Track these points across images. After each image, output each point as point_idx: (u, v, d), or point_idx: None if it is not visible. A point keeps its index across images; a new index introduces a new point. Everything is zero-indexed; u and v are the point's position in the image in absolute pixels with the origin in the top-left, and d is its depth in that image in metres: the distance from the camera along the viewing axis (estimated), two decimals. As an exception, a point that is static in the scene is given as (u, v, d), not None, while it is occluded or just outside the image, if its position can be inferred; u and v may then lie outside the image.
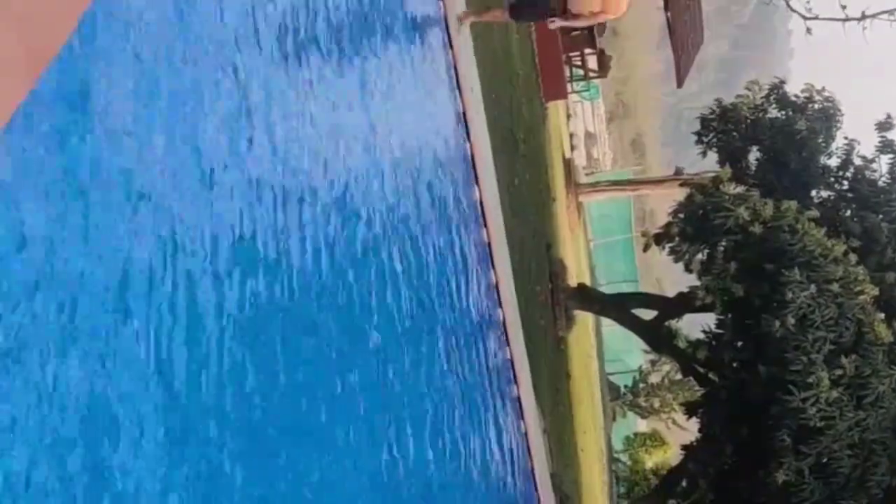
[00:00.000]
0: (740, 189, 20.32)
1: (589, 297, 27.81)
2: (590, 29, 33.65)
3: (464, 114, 15.21)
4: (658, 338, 25.10)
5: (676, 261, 21.07)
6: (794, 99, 23.13)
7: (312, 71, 8.42)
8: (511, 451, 17.24)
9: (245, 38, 6.82)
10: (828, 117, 22.52)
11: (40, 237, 4.22)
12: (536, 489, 18.70)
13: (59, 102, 4.45)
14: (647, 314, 25.11)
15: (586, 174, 45.56)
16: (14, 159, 4.09)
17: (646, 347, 34.21)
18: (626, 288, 38.59)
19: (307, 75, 8.28)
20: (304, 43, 8.32)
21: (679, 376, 39.67)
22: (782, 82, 23.88)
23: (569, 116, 44.74)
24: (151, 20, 5.47)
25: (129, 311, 4.88)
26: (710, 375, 21.85)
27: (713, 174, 21.91)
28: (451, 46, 14.68)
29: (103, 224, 4.73)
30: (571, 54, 34.68)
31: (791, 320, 17.78)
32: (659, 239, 21.69)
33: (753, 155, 23.61)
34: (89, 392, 4.49)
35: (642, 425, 51.05)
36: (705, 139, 24.08)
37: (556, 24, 13.80)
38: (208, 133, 6.04)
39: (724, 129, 23.80)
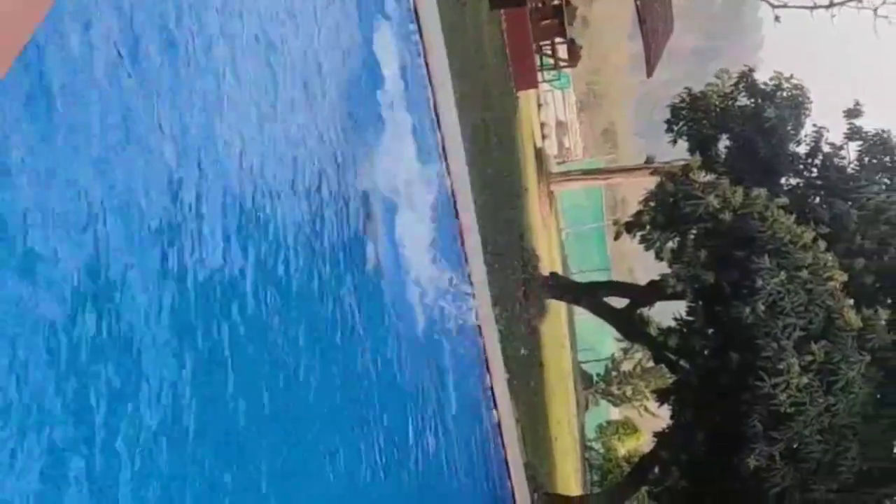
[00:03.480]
0: (710, 177, 20.39)
1: (561, 286, 27.87)
2: (560, 18, 33.68)
3: (435, 106, 15.22)
4: (630, 326, 25.19)
5: (647, 249, 21.13)
6: (763, 87, 23.20)
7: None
8: (485, 441, 17.30)
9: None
10: (796, 105, 22.60)
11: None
12: (510, 478, 18.77)
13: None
14: (619, 302, 25.20)
15: (558, 163, 45.59)
16: None
17: (618, 335, 34.32)
18: (599, 277, 38.65)
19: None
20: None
21: (651, 364, 39.85)
22: (751, 70, 23.95)
23: (540, 106, 44.74)
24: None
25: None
26: (682, 363, 21.95)
27: (683, 162, 21.98)
28: (422, 38, 14.68)
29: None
30: (542, 44, 34.65)
31: (761, 307, 17.88)
32: (630, 227, 21.74)
33: (723, 143, 23.68)
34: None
35: (615, 413, 51.21)
36: (675, 128, 24.12)
37: None
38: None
39: (693, 117, 23.85)
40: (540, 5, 32.78)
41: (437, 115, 15.47)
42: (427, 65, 15.04)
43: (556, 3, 33.52)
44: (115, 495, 5.57)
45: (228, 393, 6.96)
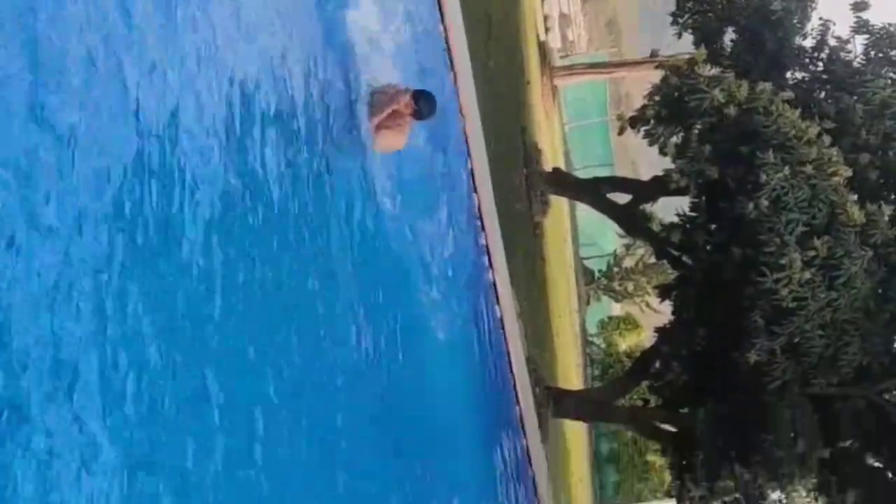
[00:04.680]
0: (715, 71, 20.17)
1: (563, 182, 27.78)
2: None
3: (439, 4, 15.02)
4: (632, 221, 25.12)
5: (651, 144, 20.98)
6: (769, -21, 22.85)
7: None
8: (487, 335, 17.39)
9: None
10: (802, -3, 22.32)
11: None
12: (512, 372, 18.92)
13: None
14: (622, 198, 25.12)
15: (561, 57, 45.11)
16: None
17: (620, 231, 34.31)
18: (602, 172, 38.53)
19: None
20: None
21: (653, 260, 39.91)
22: (758, -38, 23.57)
23: (543, -1, 44.15)
24: None
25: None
26: (684, 258, 21.95)
27: (689, 56, 21.74)
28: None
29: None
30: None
31: (765, 202, 17.81)
32: (634, 122, 21.56)
33: (729, 36, 23.39)
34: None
35: (616, 309, 51.48)
36: (681, 20, 23.82)
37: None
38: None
39: (699, 9, 23.52)
40: None
41: (439, 4, 15.27)
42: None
43: None
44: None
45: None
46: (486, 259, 17.54)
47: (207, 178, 6.70)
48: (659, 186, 22.31)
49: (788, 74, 22.51)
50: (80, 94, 5.31)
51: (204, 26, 6.92)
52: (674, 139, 20.54)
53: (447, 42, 15.52)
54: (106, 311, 5.38)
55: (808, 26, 22.52)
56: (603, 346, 46.88)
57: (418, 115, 10.66)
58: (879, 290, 18.50)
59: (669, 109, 20.48)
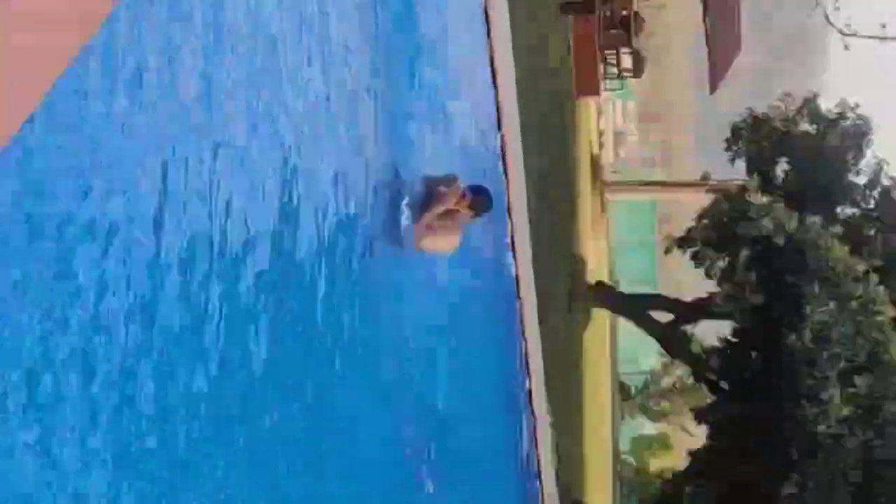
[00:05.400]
0: (766, 199, 20.27)
1: (606, 295, 27.81)
2: (626, 28, 33.51)
3: (498, 109, 15.22)
4: (672, 341, 25.06)
5: (697, 266, 21.04)
6: (826, 114, 23.03)
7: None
8: (516, 446, 17.30)
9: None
10: (859, 135, 22.43)
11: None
12: (540, 482, 18.75)
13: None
14: (664, 317, 25.07)
15: (612, 172, 45.39)
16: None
17: (660, 349, 34.15)
18: (645, 289, 38.44)
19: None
20: None
21: (691, 381, 39.60)
22: (816, 96, 23.79)
23: (599, 114, 44.54)
24: None
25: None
26: (722, 384, 21.83)
27: (740, 182, 21.87)
28: (490, 37, 14.67)
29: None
30: (607, 52, 34.43)
31: (808, 335, 17.76)
32: (682, 243, 21.66)
33: (781, 167, 23.53)
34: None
35: (650, 426, 50.91)
36: (735, 147, 24.01)
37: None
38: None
39: (754, 138, 23.71)
40: (608, 13, 32.62)
41: (498, 115, 15.47)
42: (493, 66, 15.03)
43: (624, 13, 33.35)
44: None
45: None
46: (523, 368, 17.51)
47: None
48: (702, 309, 22.30)
49: (839, 210, 22.57)
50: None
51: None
52: (720, 263, 20.57)
53: (502, 149, 15.69)
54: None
55: (862, 163, 22.63)
56: (634, 464, 46.32)
57: (475, 210, 10.64)
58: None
59: (718, 234, 20.56)
